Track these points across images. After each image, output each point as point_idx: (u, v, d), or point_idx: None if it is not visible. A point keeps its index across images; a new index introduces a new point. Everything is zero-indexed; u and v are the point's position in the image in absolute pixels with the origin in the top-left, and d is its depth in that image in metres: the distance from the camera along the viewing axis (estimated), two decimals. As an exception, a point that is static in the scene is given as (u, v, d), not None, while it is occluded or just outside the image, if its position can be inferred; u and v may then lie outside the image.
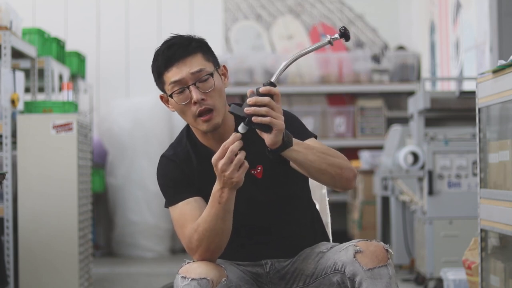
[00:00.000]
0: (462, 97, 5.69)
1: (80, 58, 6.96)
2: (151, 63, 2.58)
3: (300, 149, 2.38)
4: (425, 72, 8.03)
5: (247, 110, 2.30)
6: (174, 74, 2.49)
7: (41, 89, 6.08)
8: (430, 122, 5.84)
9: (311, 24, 8.90)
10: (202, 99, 2.48)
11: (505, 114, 3.63)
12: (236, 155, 2.31)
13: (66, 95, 5.44)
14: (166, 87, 2.53)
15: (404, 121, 7.20)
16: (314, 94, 8.57)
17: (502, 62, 3.37)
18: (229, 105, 2.63)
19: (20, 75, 5.07)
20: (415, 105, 5.88)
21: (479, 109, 3.71)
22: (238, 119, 2.58)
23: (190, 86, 2.48)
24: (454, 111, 5.80)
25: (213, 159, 2.33)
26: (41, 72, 5.85)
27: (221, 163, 2.32)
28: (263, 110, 2.29)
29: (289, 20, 8.89)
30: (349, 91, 8.61)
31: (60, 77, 6.24)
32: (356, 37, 8.87)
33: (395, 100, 8.68)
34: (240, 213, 2.57)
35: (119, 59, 8.69)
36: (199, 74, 2.49)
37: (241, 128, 2.33)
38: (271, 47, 8.78)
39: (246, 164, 2.33)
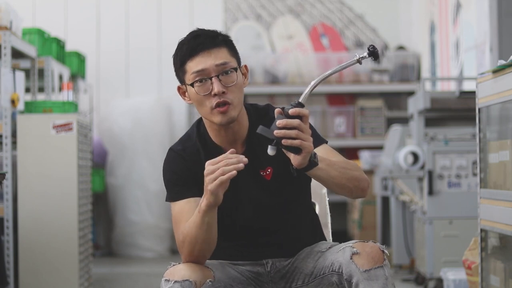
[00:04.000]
0: (462, 97, 5.69)
1: (80, 58, 6.96)
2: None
3: (324, 167, 2.38)
4: (425, 72, 8.03)
5: (277, 133, 2.27)
6: (197, 64, 2.48)
7: (41, 89, 6.08)
8: (430, 122, 5.84)
9: (311, 24, 8.90)
10: (223, 92, 2.47)
11: (505, 114, 3.63)
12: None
13: (66, 95, 5.44)
14: (187, 77, 2.51)
15: (404, 121, 7.20)
16: (314, 94, 8.56)
17: (502, 62, 3.37)
18: (248, 105, 2.63)
19: (20, 75, 5.07)
20: (415, 105, 5.88)
21: (479, 109, 3.71)
22: (252, 122, 2.58)
23: (213, 78, 2.47)
24: (454, 111, 5.80)
25: (208, 161, 2.33)
26: (41, 72, 5.85)
27: (209, 166, 2.32)
28: (293, 133, 2.27)
29: (289, 20, 8.89)
30: (349, 91, 8.61)
31: (60, 77, 6.24)
32: (356, 37, 8.87)
33: (395, 100, 8.68)
34: (244, 214, 2.57)
35: (119, 59, 8.69)
36: (224, 67, 2.48)
37: (270, 150, 2.30)
38: (271, 47, 8.78)
39: (225, 183, 2.30)
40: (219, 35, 2.52)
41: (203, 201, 2.36)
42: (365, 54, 2.34)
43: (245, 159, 2.30)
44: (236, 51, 2.56)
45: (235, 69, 2.50)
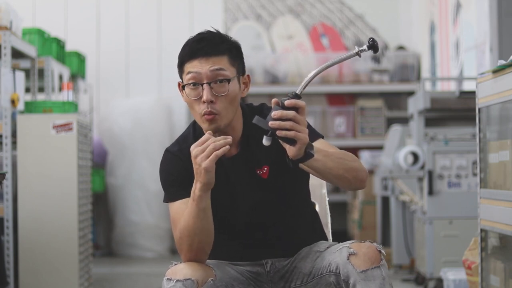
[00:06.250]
0: (462, 97, 5.69)
1: (80, 58, 6.96)
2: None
3: (320, 158, 2.37)
4: (425, 72, 8.03)
5: (271, 124, 2.28)
6: (193, 67, 2.48)
7: (41, 89, 6.08)
8: (430, 122, 5.85)
9: (311, 24, 8.90)
10: (211, 101, 2.47)
11: (505, 114, 3.63)
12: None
13: (66, 95, 5.44)
14: (183, 77, 2.52)
15: (404, 121, 7.20)
16: (314, 94, 8.57)
17: (502, 62, 3.37)
18: (244, 105, 2.63)
19: (20, 75, 5.07)
20: (415, 105, 5.88)
21: (479, 109, 3.71)
22: (247, 122, 2.58)
23: (204, 85, 2.48)
24: (454, 111, 5.80)
25: (192, 145, 2.35)
26: (41, 72, 5.85)
27: (196, 148, 2.34)
28: (288, 124, 2.28)
29: (289, 20, 8.89)
30: (349, 91, 8.61)
31: (60, 77, 6.24)
32: (356, 37, 8.87)
33: (395, 100, 8.68)
34: (243, 213, 2.57)
35: (119, 59, 8.69)
36: (218, 74, 2.47)
37: (265, 140, 2.30)
38: (271, 47, 8.78)
39: (220, 153, 2.32)
40: (224, 42, 2.51)
41: (196, 187, 2.37)
42: (365, 47, 2.34)
43: (229, 137, 2.34)
44: (239, 60, 2.54)
45: (228, 81, 2.48)
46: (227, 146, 2.32)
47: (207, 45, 2.49)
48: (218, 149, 2.32)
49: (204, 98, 2.46)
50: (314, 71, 2.35)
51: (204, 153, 2.32)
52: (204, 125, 2.51)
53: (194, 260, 2.46)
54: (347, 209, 8.16)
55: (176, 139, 2.65)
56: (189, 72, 2.49)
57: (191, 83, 2.49)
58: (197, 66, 2.48)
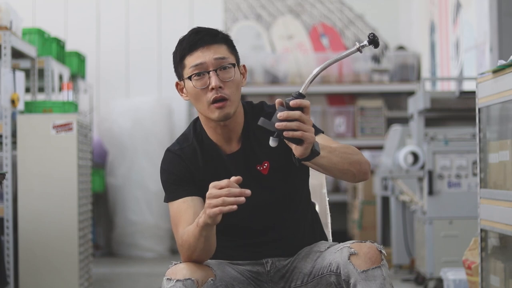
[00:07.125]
0: (462, 97, 5.69)
1: (80, 58, 6.96)
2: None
3: (325, 154, 2.38)
4: (425, 72, 8.03)
5: (278, 125, 2.27)
6: (196, 58, 2.50)
7: (41, 89, 6.08)
8: (430, 122, 5.85)
9: (311, 24, 8.90)
10: (220, 87, 2.48)
11: (505, 114, 3.63)
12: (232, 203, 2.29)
13: (66, 95, 5.44)
14: (185, 71, 2.53)
15: (404, 121, 7.20)
16: (314, 94, 8.57)
17: (502, 62, 3.37)
18: (244, 102, 2.63)
19: (20, 75, 5.06)
20: (415, 105, 5.88)
21: (479, 109, 3.71)
22: (247, 118, 2.59)
23: (211, 72, 2.49)
24: (454, 111, 5.80)
25: (213, 183, 2.31)
26: (41, 72, 5.85)
27: (213, 190, 2.31)
28: (294, 124, 2.28)
29: (289, 20, 8.89)
30: (349, 91, 8.61)
31: (60, 77, 6.24)
32: (356, 37, 8.87)
33: (395, 100, 8.68)
34: (242, 211, 2.56)
35: (119, 59, 8.69)
36: (222, 61, 2.50)
37: (272, 141, 2.30)
38: (271, 47, 8.78)
39: (225, 210, 2.28)
40: (219, 33, 2.55)
41: (201, 218, 2.36)
42: (365, 42, 2.34)
43: (248, 191, 2.28)
44: (235, 50, 2.58)
45: (233, 65, 2.52)
46: (235, 207, 2.28)
47: (206, 35, 2.52)
48: (225, 205, 2.28)
49: (213, 84, 2.48)
50: (317, 69, 2.35)
51: (213, 201, 2.29)
52: (213, 115, 2.51)
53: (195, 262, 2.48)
54: (347, 209, 8.15)
55: (177, 138, 2.65)
56: (192, 65, 2.50)
57: (197, 73, 2.49)
58: (200, 57, 2.50)
